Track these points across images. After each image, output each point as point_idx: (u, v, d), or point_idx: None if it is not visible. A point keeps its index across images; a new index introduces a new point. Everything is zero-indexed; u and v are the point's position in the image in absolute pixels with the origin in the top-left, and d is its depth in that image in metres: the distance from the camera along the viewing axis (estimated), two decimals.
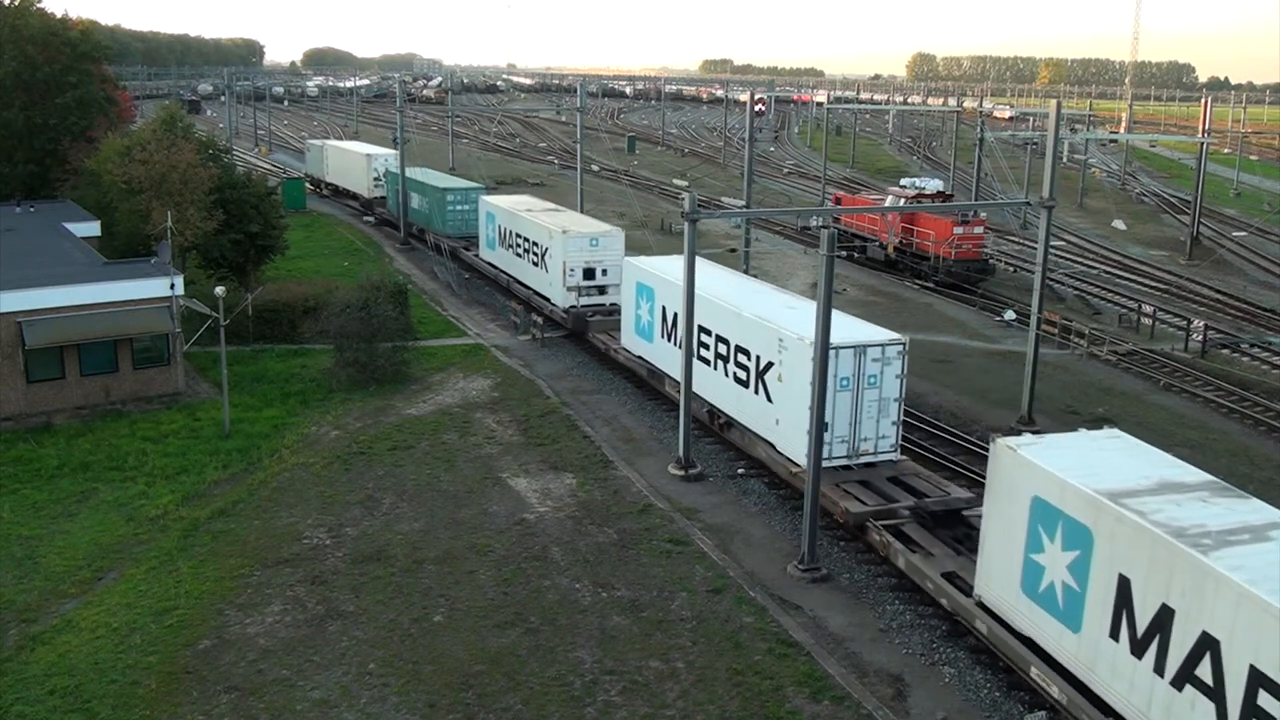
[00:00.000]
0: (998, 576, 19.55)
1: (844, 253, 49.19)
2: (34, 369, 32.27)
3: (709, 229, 64.87)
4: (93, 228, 43.03)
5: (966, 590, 20.65)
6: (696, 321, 28.75)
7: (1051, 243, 34.89)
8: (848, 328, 26.56)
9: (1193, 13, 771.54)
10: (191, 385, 35.50)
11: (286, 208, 58.65)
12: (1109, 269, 58.91)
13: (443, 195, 56.98)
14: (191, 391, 35.06)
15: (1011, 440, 19.42)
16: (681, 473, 28.76)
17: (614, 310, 39.69)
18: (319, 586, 22.69)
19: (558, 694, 19.00)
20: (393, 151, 70.98)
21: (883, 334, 26.45)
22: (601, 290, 41.44)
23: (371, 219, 69.83)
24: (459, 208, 56.44)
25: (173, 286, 33.59)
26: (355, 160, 74.02)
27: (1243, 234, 71.47)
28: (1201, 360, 40.24)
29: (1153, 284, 55.79)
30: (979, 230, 53.04)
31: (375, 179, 70.26)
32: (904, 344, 25.85)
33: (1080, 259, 61.13)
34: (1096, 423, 33.42)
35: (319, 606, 21.90)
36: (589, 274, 41.28)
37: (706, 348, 30.14)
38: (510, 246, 47.11)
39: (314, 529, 25.35)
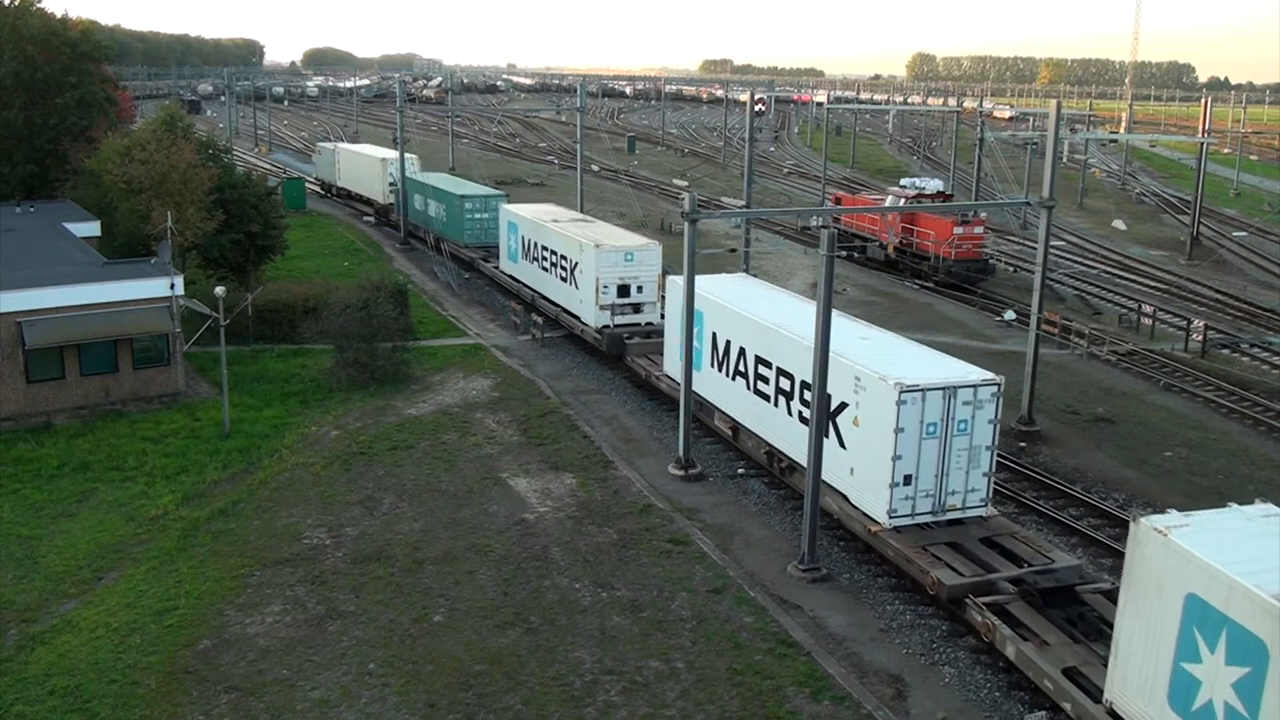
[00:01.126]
0: (1136, 684, 16.41)
1: (844, 253, 49.15)
2: (34, 369, 32.27)
3: (709, 229, 64.88)
4: (93, 228, 43.01)
5: (1093, 693, 17.59)
6: (754, 352, 27.50)
7: (1051, 243, 34.90)
8: (933, 364, 24.12)
9: (1193, 13, 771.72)
10: (191, 385, 35.50)
11: (286, 208, 58.67)
12: (1109, 269, 58.92)
13: (460, 203, 54.16)
14: (191, 391, 35.06)
15: (1159, 521, 16.29)
16: (681, 473, 28.76)
17: (652, 332, 36.99)
18: (319, 586, 22.69)
19: (558, 694, 19.00)
20: (410, 156, 68.46)
21: (974, 373, 23.36)
22: (637, 309, 38.34)
23: (386, 226, 67.79)
24: (477, 216, 53.75)
25: (173, 286, 33.59)
26: (369, 164, 71.24)
27: (1243, 234, 71.46)
28: (1201, 360, 40.24)
29: (1153, 284, 55.79)
30: (979, 230, 53.03)
31: (390, 184, 66.96)
32: (998, 384, 22.95)
33: (1080, 259, 61.14)
34: (1097, 422, 33.48)
35: (319, 606, 21.90)
36: (624, 291, 38.06)
37: (765, 382, 27.43)
38: (535, 260, 44.10)
39: (314, 529, 25.35)
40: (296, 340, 39.48)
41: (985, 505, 23.34)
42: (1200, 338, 42.09)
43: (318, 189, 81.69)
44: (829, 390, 23.35)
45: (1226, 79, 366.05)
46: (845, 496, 24.36)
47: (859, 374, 23.34)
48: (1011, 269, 58.53)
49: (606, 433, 31.91)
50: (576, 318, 40.07)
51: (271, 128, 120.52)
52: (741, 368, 28.79)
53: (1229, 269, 61.61)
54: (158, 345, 34.14)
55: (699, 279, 29.91)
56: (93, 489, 27.75)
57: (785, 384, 26.64)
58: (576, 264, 39.59)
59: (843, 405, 23.98)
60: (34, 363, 32.18)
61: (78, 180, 48.33)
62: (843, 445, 24.22)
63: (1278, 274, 60.47)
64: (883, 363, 23.40)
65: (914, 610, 22.05)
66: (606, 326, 38.02)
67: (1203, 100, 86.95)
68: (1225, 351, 42.36)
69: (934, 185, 58.16)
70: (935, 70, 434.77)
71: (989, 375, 23.15)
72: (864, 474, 23.56)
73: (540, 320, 42.03)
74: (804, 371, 24.87)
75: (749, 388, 28.28)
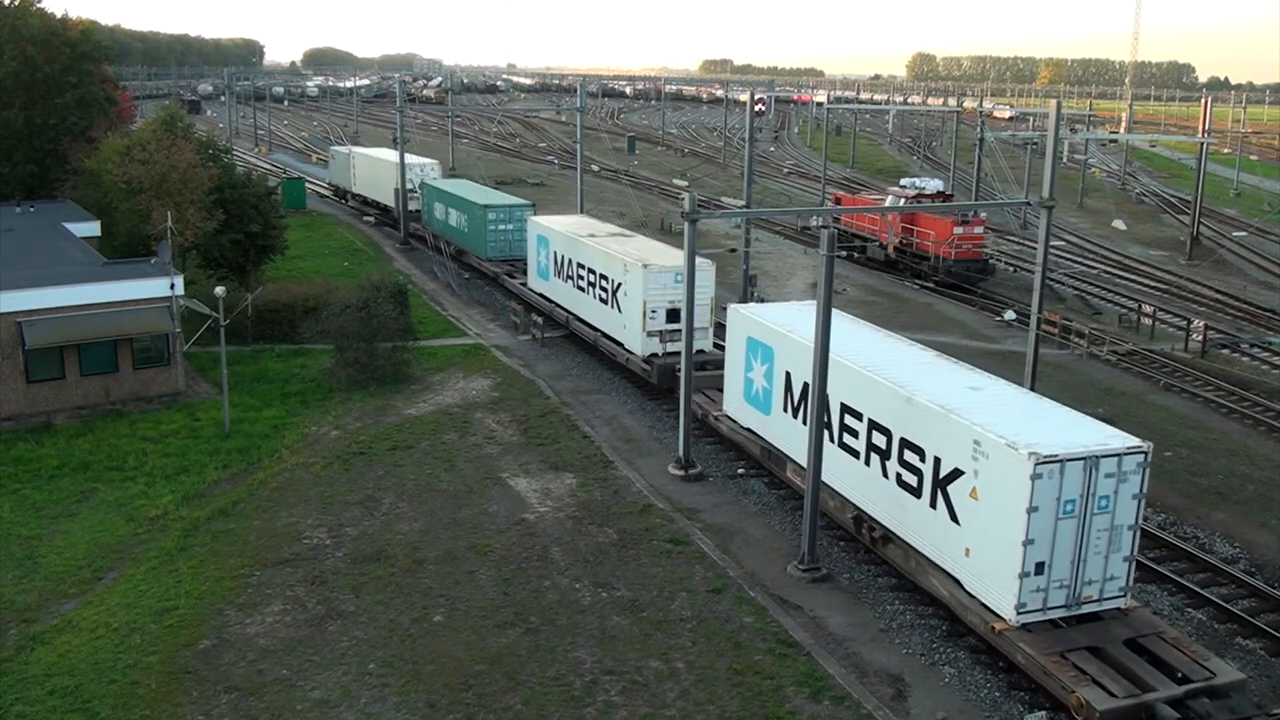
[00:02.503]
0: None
1: (844, 253, 49.23)
2: (34, 369, 32.27)
3: (709, 229, 64.89)
4: (93, 228, 43.00)
5: None
6: (839, 399, 23.97)
7: (1051, 243, 34.89)
8: (1066, 426, 20.51)
9: (1193, 13, 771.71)
10: (191, 385, 35.49)
11: (286, 208, 58.60)
12: (1109, 269, 58.92)
13: (483, 213, 50.24)
14: (191, 391, 35.06)
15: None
16: (681, 473, 28.76)
17: (707, 362, 33.39)
18: (319, 586, 22.69)
19: (558, 694, 19.00)
20: (429, 160, 65.99)
21: (1116, 438, 19.84)
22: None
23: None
24: (502, 227, 50.02)
25: (173, 286, 33.58)
26: (387, 170, 66.79)
27: (1243, 234, 71.48)
28: (1201, 360, 40.24)
29: (1153, 284, 55.79)
30: (979, 230, 53.05)
31: (410, 190, 63.56)
32: (1145, 452, 19.43)
33: (1080, 259, 61.15)
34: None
35: (319, 606, 21.90)
36: (673, 316, 33.75)
37: (853, 435, 23.82)
38: (569, 278, 40.57)
39: (314, 529, 25.35)
40: (296, 340, 39.47)
41: (1125, 596, 20.04)
42: (1200, 338, 42.10)
43: (330, 194, 79.58)
44: (936, 452, 20.79)
45: (1226, 79, 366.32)
46: (958, 581, 20.77)
47: (980, 438, 19.80)
48: (1011, 269, 58.53)
49: (606, 433, 31.91)
50: (619, 344, 36.43)
51: (271, 128, 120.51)
52: (824, 416, 24.56)
53: (1229, 269, 61.62)
54: (158, 345, 34.14)
55: (768, 309, 28.62)
56: (93, 489, 27.76)
57: (879, 440, 23.02)
58: (620, 285, 35.99)
59: (956, 473, 20.52)
60: (34, 363, 32.18)
61: (78, 180, 48.32)
62: (955, 520, 20.65)
63: (1278, 274, 60.46)
64: (1008, 424, 19.99)
65: (914, 610, 22.06)
66: (655, 355, 34.34)
67: (1203, 100, 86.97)
68: (1225, 351, 42.36)
69: (934, 185, 58.18)
70: (935, 70, 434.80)
71: (1134, 441, 19.62)
72: (984, 558, 20.01)
73: (540, 320, 41.99)
74: (905, 428, 21.93)
75: (833, 440, 24.46)
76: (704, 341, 34.68)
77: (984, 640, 20.31)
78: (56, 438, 31.17)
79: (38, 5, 53.80)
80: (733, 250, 52.10)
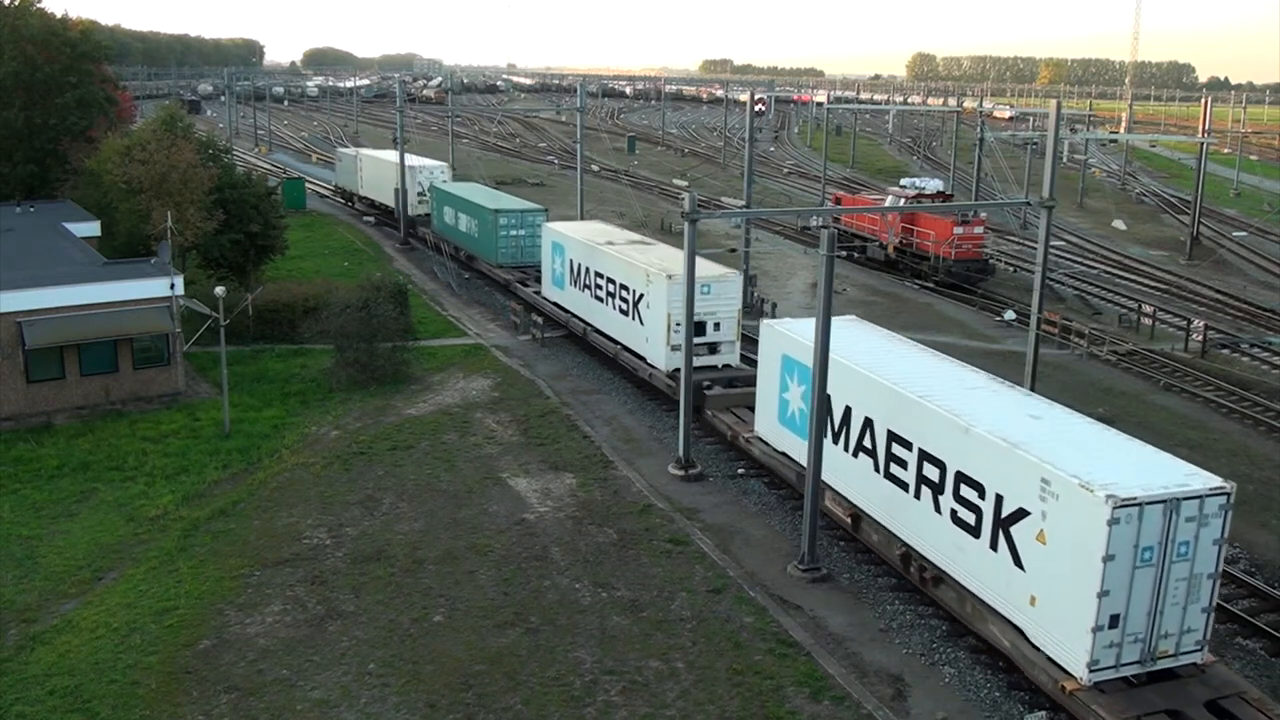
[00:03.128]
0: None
1: (844, 253, 49.20)
2: (34, 369, 32.27)
3: (709, 229, 64.89)
4: (93, 228, 43.01)
5: None
6: (886, 425, 22.48)
7: (1051, 243, 34.90)
8: (1140, 463, 18.62)
9: (1193, 13, 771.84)
10: (191, 385, 35.49)
11: (286, 208, 58.55)
12: (1109, 269, 58.92)
13: (494, 218, 48.56)
14: (191, 391, 35.06)
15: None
16: (681, 473, 28.75)
17: (736, 379, 32.50)
18: (319, 586, 22.69)
19: (558, 694, 19.00)
20: (438, 163, 64.63)
21: (1196, 476, 18.11)
22: (713, 349, 33.45)
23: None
24: (513, 233, 48.39)
25: (173, 286, 33.59)
26: (396, 173, 64.68)
27: (1243, 234, 71.48)
28: (1201, 360, 40.25)
29: (1153, 284, 55.79)
30: (979, 230, 53.05)
31: (420, 194, 62.29)
32: (1229, 493, 17.72)
33: (1080, 259, 61.14)
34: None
35: (319, 606, 21.90)
36: (698, 329, 32.12)
37: (902, 465, 22.10)
38: (587, 287, 39.02)
39: (314, 529, 25.35)
40: (296, 340, 39.47)
41: (1202, 650, 18.32)
42: (1200, 338, 42.10)
43: (338, 198, 77.99)
44: (997, 489, 19.11)
45: (1226, 79, 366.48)
46: (1020, 631, 19.06)
47: (1049, 476, 18.01)
48: (1011, 269, 58.53)
49: (606, 433, 31.90)
50: (641, 358, 34.80)
51: (271, 128, 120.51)
52: (868, 443, 23.24)
53: (1229, 269, 61.62)
54: (158, 345, 34.14)
55: (805, 325, 25.55)
56: (93, 489, 27.75)
57: (932, 472, 21.20)
58: (641, 296, 34.49)
59: (1021, 513, 18.77)
60: (34, 363, 32.18)
61: (78, 180, 48.33)
62: (1019, 564, 18.91)
63: (1278, 274, 60.47)
64: (1078, 460, 18.25)
65: (914, 610, 22.05)
66: (678, 370, 31.57)
67: (1203, 100, 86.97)
68: (1225, 351, 42.37)
69: (934, 185, 58.19)
70: (935, 70, 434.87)
71: (1216, 481, 17.87)
72: (1052, 608, 18.27)
73: (540, 320, 41.98)
74: (962, 461, 20.16)
75: (878, 469, 22.84)
76: (730, 355, 33.62)
77: (984, 641, 20.32)
78: (56, 438, 31.17)
79: (38, 5, 53.84)
80: (733, 250, 52.10)
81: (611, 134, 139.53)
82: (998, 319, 45.80)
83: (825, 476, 24.03)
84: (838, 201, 66.21)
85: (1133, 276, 57.61)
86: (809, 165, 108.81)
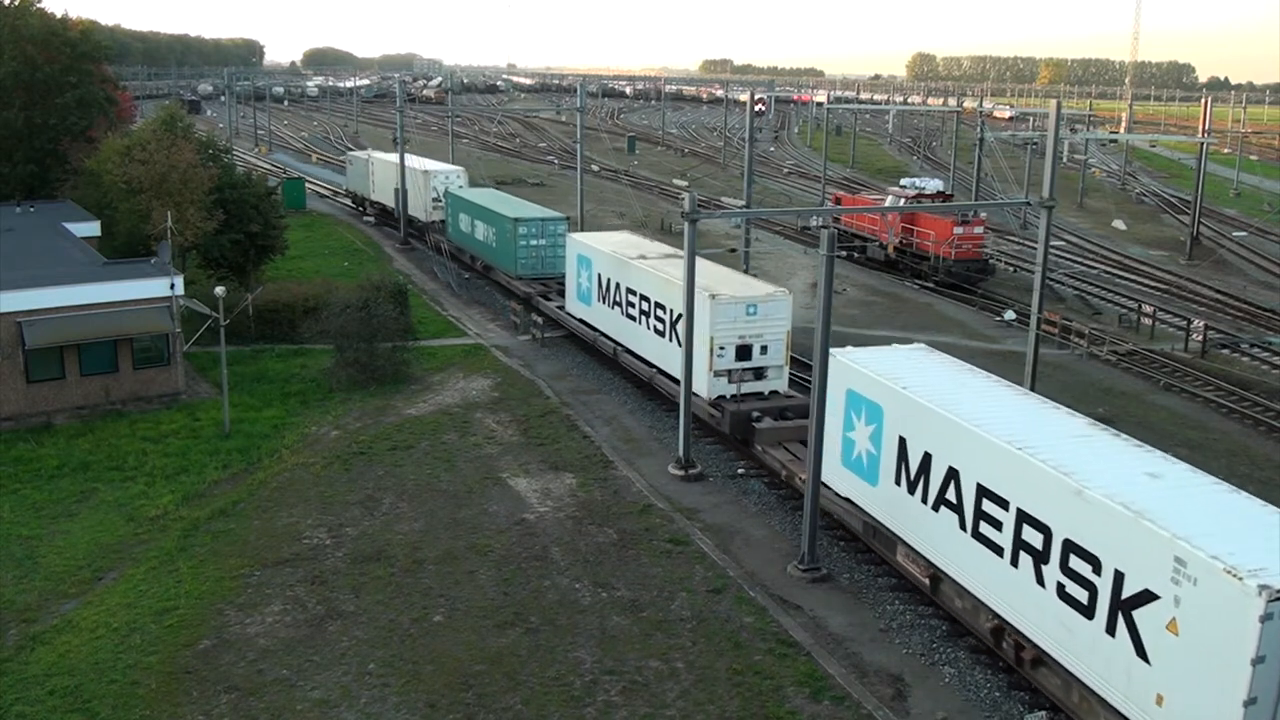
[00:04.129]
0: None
1: (844, 253, 49.15)
2: (34, 369, 32.26)
3: (709, 229, 64.90)
4: (93, 228, 43.01)
5: None
6: (974, 478, 19.73)
7: (1051, 243, 34.89)
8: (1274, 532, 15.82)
9: (1193, 13, 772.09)
10: (191, 385, 35.49)
11: (286, 208, 58.53)
12: (1109, 269, 58.92)
13: (513, 227, 45.98)
14: (191, 391, 35.06)
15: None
16: (681, 473, 28.75)
17: (786, 409, 29.78)
18: (319, 586, 22.69)
19: (558, 694, 19.00)
20: (454, 168, 62.16)
21: None
22: (759, 374, 30.78)
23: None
24: (533, 243, 46.04)
25: (173, 286, 33.58)
26: (413, 178, 62.07)
27: (1243, 234, 71.48)
28: (1201, 360, 40.24)
29: (1153, 284, 55.79)
30: (979, 230, 53.05)
31: (435, 199, 59.04)
32: None
33: (1080, 259, 61.14)
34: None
35: (319, 606, 21.90)
36: (744, 352, 30.25)
37: (995, 526, 19.20)
38: (617, 304, 36.43)
39: (314, 529, 25.35)
40: (296, 340, 39.48)
41: None
42: (1200, 338, 42.10)
43: (350, 203, 75.09)
44: (1116, 565, 16.45)
45: (1226, 79, 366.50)
46: None
47: (1185, 555, 15.26)
48: (1011, 269, 58.53)
49: (606, 433, 31.90)
50: (678, 382, 30.97)
51: (271, 128, 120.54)
52: (952, 496, 20.34)
53: (1229, 269, 61.62)
54: (158, 345, 34.13)
55: (872, 357, 24.06)
56: (93, 489, 27.75)
57: (1034, 538, 18.22)
58: (681, 316, 30.90)
59: (1146, 595, 16.00)
60: (34, 363, 32.18)
61: (78, 180, 48.34)
62: (1143, 656, 16.08)
63: (1278, 274, 60.47)
64: (1217, 535, 15.52)
65: (914, 610, 22.05)
66: (723, 398, 30.23)
67: (1203, 100, 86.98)
68: (1225, 351, 42.36)
69: (934, 185, 58.20)
70: (935, 70, 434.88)
71: None
72: (1184, 712, 15.47)
73: (540, 320, 41.97)
74: (1072, 527, 17.35)
75: (964, 527, 20.06)
76: (778, 381, 31.08)
77: (984, 641, 20.31)
78: (56, 438, 31.16)
79: (38, 5, 53.84)
80: (733, 250, 52.07)
81: (611, 134, 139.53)
82: (998, 319, 45.81)
83: (898, 530, 22.34)
84: (838, 201, 66.20)
85: (1133, 276, 57.61)
86: (809, 165, 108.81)
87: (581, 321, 39.78)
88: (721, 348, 30.17)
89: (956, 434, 20.20)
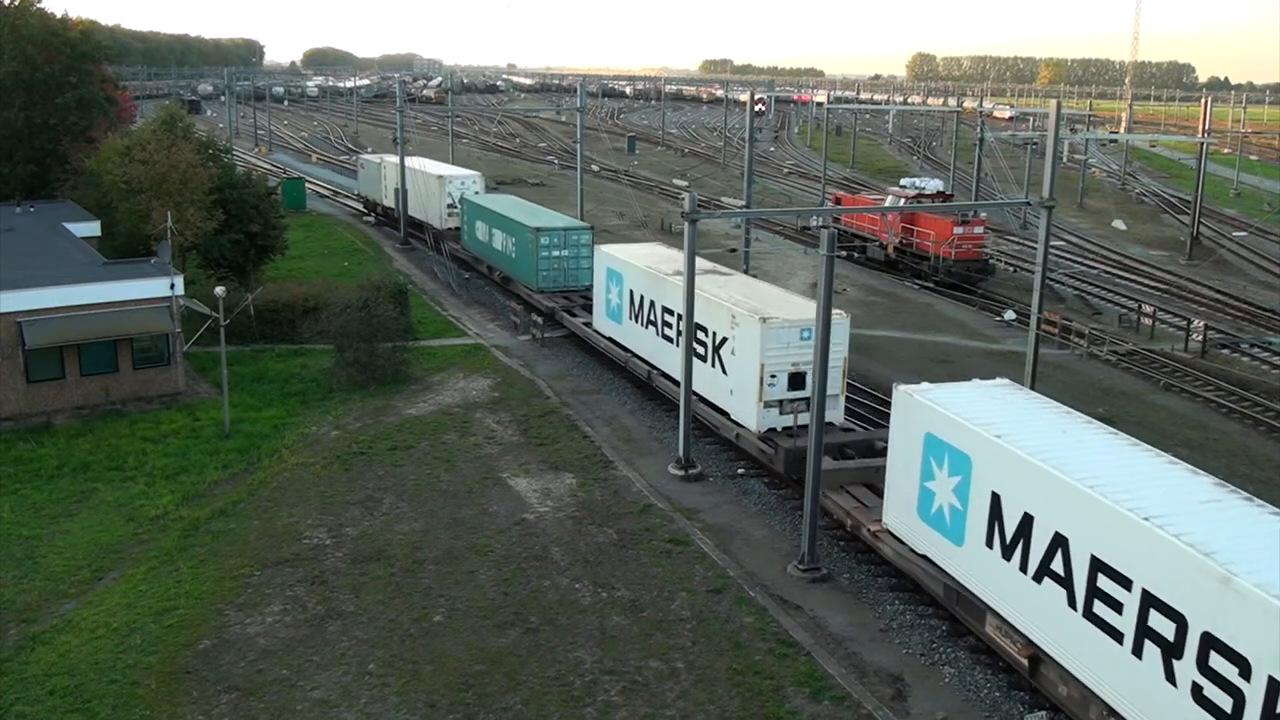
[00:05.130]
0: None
1: (844, 253, 49.20)
2: (34, 369, 32.27)
3: (709, 229, 64.90)
4: (93, 228, 43.03)
5: None
6: (1089, 547, 16.86)
7: (1051, 243, 34.88)
8: None
9: (1192, 13, 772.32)
10: (191, 385, 35.50)
11: (286, 208, 58.50)
12: (1109, 269, 58.92)
13: (534, 237, 43.38)
14: (191, 391, 35.06)
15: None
16: (681, 473, 28.75)
17: (847, 446, 27.04)
18: (319, 586, 22.69)
19: (558, 694, 19.00)
20: (471, 173, 59.62)
21: None
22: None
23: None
24: (555, 254, 43.51)
25: (173, 286, 33.59)
26: (425, 182, 59.89)
27: (1243, 234, 71.49)
28: (1201, 360, 40.24)
29: (1153, 284, 55.79)
30: (979, 230, 53.05)
31: (450, 206, 56.63)
32: None
33: (1080, 259, 61.14)
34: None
35: (319, 606, 21.90)
36: (797, 381, 27.64)
37: (1115, 607, 16.36)
38: (651, 323, 34.06)
39: (314, 529, 25.36)
40: (296, 340, 39.50)
41: None
42: (1200, 338, 42.10)
43: (359, 207, 73.06)
44: (1275, 673, 13.79)
45: (1226, 79, 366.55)
46: None
47: None
48: (1011, 269, 58.53)
49: (606, 433, 31.91)
50: (723, 413, 29.89)
51: (271, 128, 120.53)
52: (1058, 567, 17.51)
53: (1229, 269, 61.61)
54: (158, 345, 34.14)
55: (954, 395, 21.24)
56: (93, 489, 27.75)
57: (1164, 627, 15.47)
58: (725, 341, 29.56)
59: None
60: (34, 363, 32.18)
61: (78, 180, 48.36)
62: None
63: (1278, 274, 60.47)
64: None
65: (914, 610, 22.05)
66: (774, 431, 27.79)
67: (1203, 100, 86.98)
68: (1225, 351, 42.36)
69: (934, 185, 58.21)
70: (935, 70, 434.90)
71: None
72: None
73: (540, 320, 41.95)
74: (1214, 620, 14.58)
75: (1074, 605, 17.24)
76: (834, 412, 27.90)
77: (984, 640, 20.31)
78: (56, 438, 31.17)
79: (38, 5, 53.87)
80: (733, 250, 52.11)
81: (611, 134, 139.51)
82: (998, 319, 45.81)
83: (989, 598, 19.53)
84: (838, 201, 66.20)
85: (1133, 276, 57.60)
86: (809, 165, 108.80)
87: (611, 340, 37.27)
88: (773, 376, 27.57)
89: (1065, 495, 17.30)
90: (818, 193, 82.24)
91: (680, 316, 30.94)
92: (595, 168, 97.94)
